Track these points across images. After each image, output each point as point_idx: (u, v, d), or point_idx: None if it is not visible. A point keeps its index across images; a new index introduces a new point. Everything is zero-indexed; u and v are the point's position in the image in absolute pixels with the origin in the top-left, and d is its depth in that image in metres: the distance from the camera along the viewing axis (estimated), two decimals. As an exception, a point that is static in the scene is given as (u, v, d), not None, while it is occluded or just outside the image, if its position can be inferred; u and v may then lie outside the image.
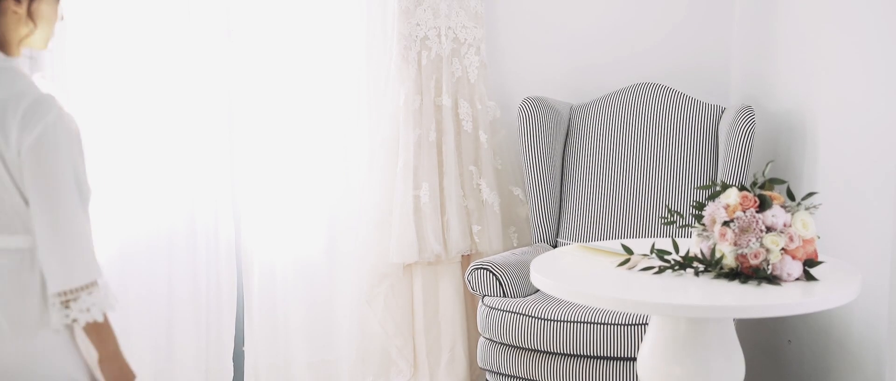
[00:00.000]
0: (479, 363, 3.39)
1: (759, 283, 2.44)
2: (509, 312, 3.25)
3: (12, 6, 1.92)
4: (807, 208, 2.50)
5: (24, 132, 1.83)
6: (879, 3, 2.98)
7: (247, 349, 3.80)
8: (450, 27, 3.75)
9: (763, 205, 2.47)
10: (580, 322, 3.15)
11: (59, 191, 1.86)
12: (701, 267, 2.54)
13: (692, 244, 2.60)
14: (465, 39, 3.78)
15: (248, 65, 3.75)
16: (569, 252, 2.95)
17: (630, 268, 2.64)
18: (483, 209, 3.81)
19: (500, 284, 3.35)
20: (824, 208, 2.75)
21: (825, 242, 2.72)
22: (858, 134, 3.09)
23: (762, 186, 2.54)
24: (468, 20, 3.77)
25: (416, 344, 3.81)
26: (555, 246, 3.74)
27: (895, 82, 2.89)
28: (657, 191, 3.68)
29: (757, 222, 2.43)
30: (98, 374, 1.99)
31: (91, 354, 1.97)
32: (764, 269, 2.44)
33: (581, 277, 2.68)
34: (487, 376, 3.41)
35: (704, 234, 2.54)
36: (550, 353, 3.20)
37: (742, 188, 2.52)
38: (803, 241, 2.46)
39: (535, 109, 3.71)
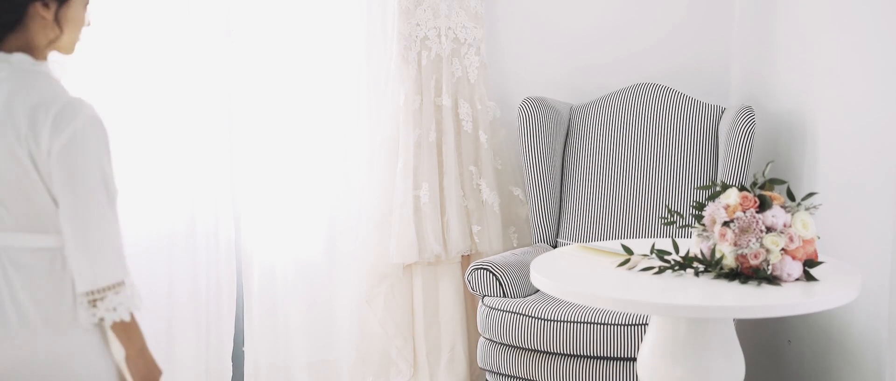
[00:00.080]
0: (479, 364, 3.39)
1: (759, 283, 2.44)
2: (509, 312, 3.25)
3: (41, 11, 1.96)
4: (807, 209, 2.50)
5: (55, 135, 1.88)
6: (879, 4, 2.98)
7: (246, 349, 3.80)
8: (450, 27, 3.75)
9: (763, 205, 2.47)
10: (580, 322, 3.15)
11: (87, 192, 1.90)
12: (701, 267, 2.54)
13: (692, 245, 2.60)
14: (465, 39, 3.78)
15: (248, 65, 3.75)
16: (569, 252, 2.95)
17: (630, 268, 2.64)
18: (483, 209, 3.81)
19: (500, 284, 3.35)
20: (824, 208, 2.75)
21: (825, 242, 2.72)
22: (858, 134, 3.09)
23: (762, 187, 2.54)
24: (468, 20, 3.77)
25: (416, 344, 3.81)
26: (555, 246, 3.74)
27: (894, 82, 2.89)
28: (657, 191, 3.68)
29: (757, 222, 2.43)
30: (126, 373, 2.04)
31: (120, 352, 2.03)
32: (764, 269, 2.44)
33: (581, 277, 2.68)
34: (487, 376, 3.41)
35: (704, 234, 2.54)
36: (550, 353, 3.20)
37: (742, 189, 2.52)
38: (803, 241, 2.46)
39: (535, 109, 3.71)
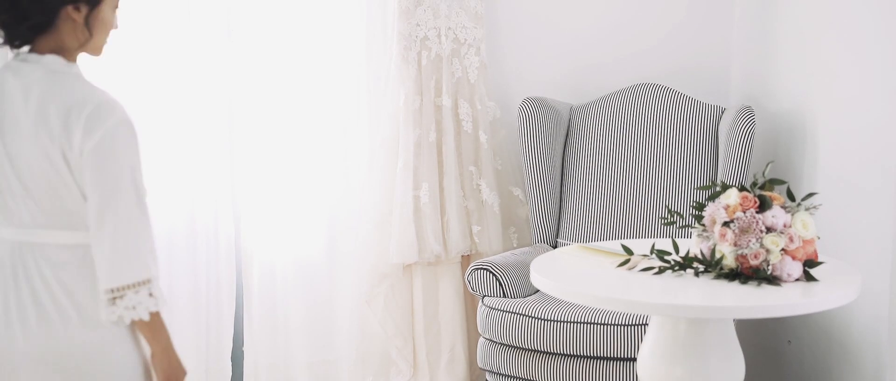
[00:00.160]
0: (479, 364, 3.39)
1: (759, 283, 2.44)
2: (509, 312, 3.25)
3: (72, 14, 1.99)
4: (807, 209, 2.50)
5: (87, 135, 1.92)
6: (879, 4, 2.98)
7: (246, 349, 3.80)
8: (450, 27, 3.75)
9: (763, 205, 2.47)
10: (580, 323, 3.15)
11: (115, 191, 1.94)
12: (701, 268, 2.54)
13: (692, 245, 2.60)
14: (465, 40, 3.77)
15: (248, 65, 3.74)
16: (569, 253, 2.94)
17: (630, 268, 2.64)
18: (483, 210, 3.81)
19: (500, 284, 3.35)
20: (824, 208, 2.75)
21: (825, 242, 2.72)
22: (858, 134, 3.09)
23: (762, 187, 2.54)
24: (468, 20, 3.77)
25: (416, 344, 3.80)
26: (555, 246, 3.74)
27: (894, 82, 2.89)
28: (657, 191, 3.68)
29: (757, 222, 2.43)
30: (153, 370, 2.08)
31: (147, 349, 2.07)
32: (764, 269, 2.44)
33: (581, 277, 2.68)
34: (487, 376, 3.41)
35: (704, 234, 2.54)
36: (550, 353, 3.20)
37: (742, 189, 2.52)
38: (803, 241, 2.46)
39: (535, 109, 3.71)
